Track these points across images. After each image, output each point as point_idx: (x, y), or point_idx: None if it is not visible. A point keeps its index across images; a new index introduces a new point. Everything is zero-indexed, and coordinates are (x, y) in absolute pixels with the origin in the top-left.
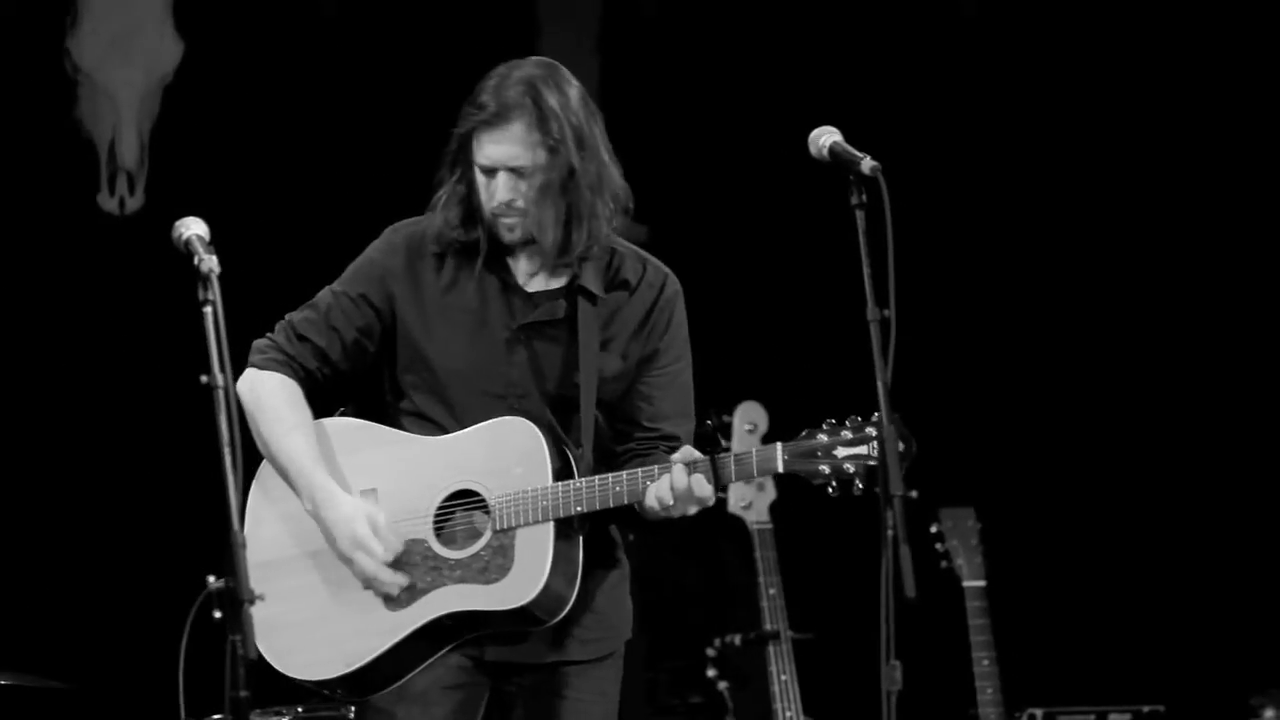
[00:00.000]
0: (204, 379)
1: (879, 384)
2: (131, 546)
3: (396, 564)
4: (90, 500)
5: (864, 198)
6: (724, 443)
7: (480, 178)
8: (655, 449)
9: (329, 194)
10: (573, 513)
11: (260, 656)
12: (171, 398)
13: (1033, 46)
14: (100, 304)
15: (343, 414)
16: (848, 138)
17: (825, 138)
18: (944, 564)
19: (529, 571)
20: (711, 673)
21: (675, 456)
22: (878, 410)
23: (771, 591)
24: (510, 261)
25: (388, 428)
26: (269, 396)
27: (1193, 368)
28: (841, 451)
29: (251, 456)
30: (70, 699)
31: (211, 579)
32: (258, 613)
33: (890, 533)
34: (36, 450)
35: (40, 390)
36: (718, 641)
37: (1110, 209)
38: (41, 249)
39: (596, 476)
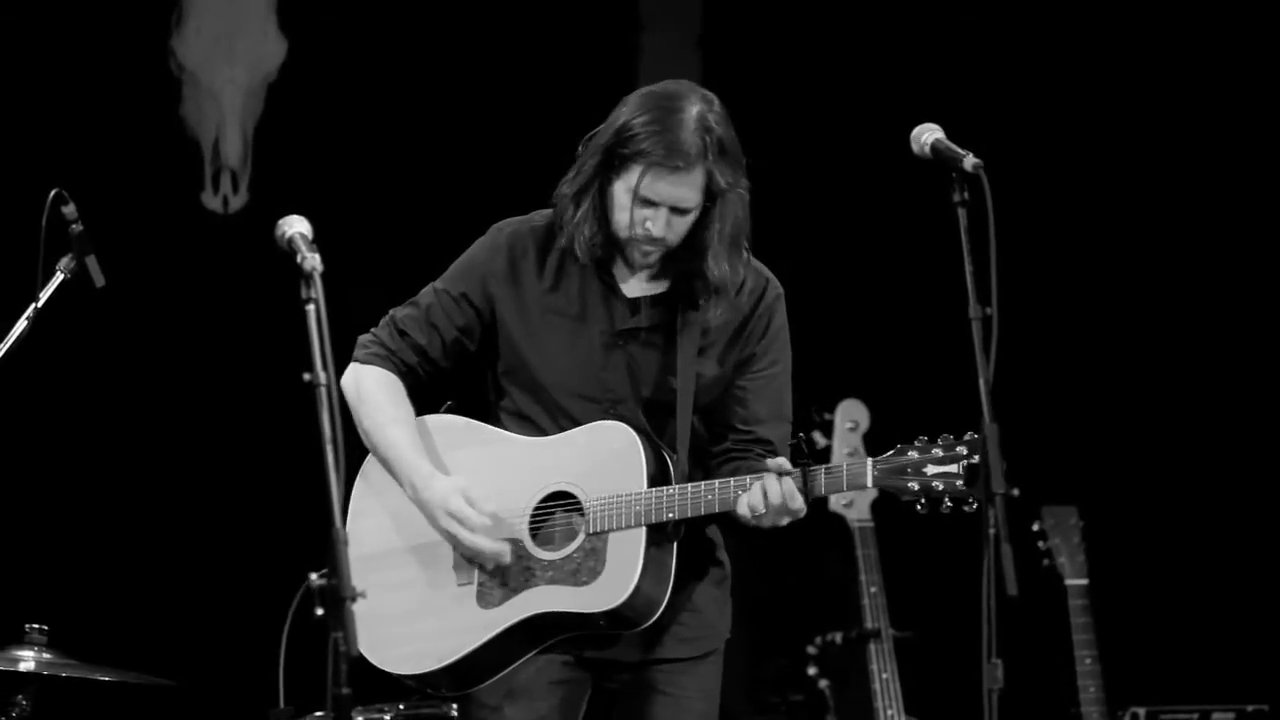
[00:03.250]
0: (306, 377)
1: (981, 382)
2: (236, 542)
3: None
4: (193, 496)
5: (966, 195)
6: (821, 441)
7: (629, 201)
8: (750, 451)
9: (431, 192)
10: (665, 519)
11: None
12: (274, 395)
13: (1135, 39)
14: (204, 301)
15: (448, 409)
16: (950, 135)
17: (927, 135)
18: (1046, 562)
19: (619, 575)
20: (812, 671)
21: (769, 464)
22: (981, 414)
23: (873, 590)
24: (613, 266)
25: (489, 426)
26: (371, 390)
27: None
28: (931, 470)
29: (353, 453)
30: (174, 695)
31: (313, 575)
32: (357, 604)
33: (992, 531)
34: (142, 448)
35: (144, 388)
36: (819, 640)
37: (1219, 204)
38: (146, 247)
39: (689, 484)
